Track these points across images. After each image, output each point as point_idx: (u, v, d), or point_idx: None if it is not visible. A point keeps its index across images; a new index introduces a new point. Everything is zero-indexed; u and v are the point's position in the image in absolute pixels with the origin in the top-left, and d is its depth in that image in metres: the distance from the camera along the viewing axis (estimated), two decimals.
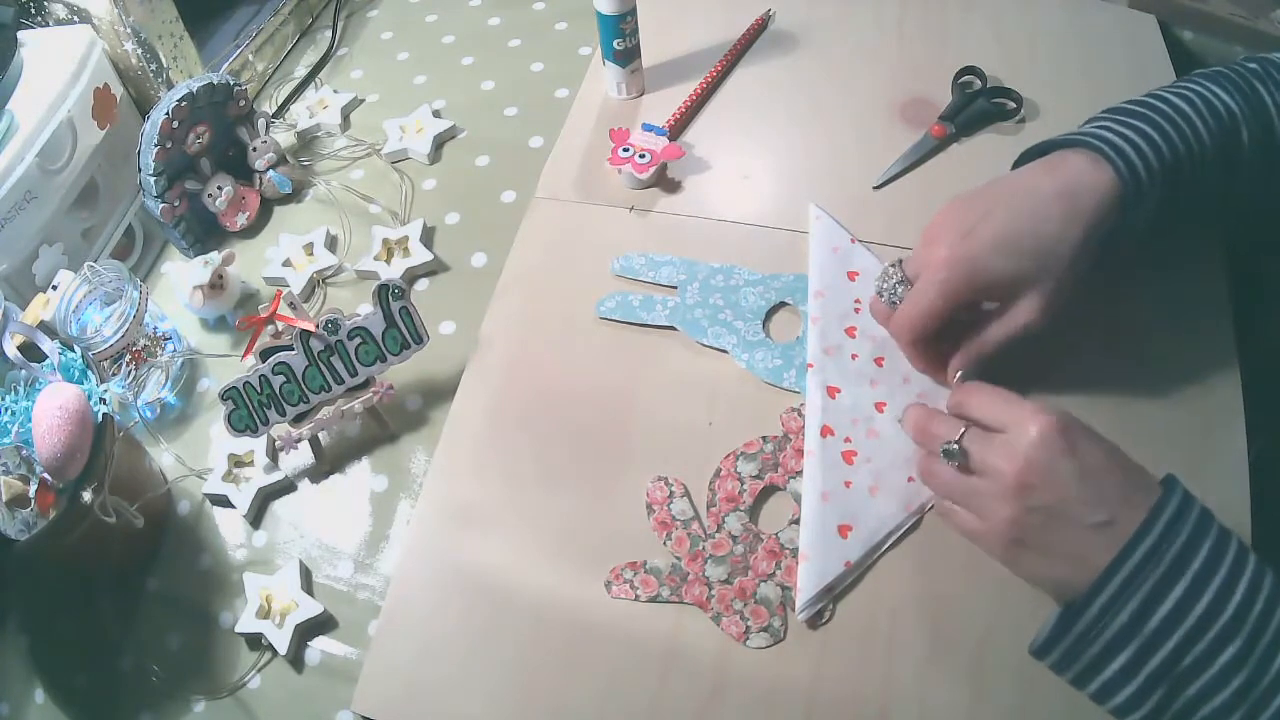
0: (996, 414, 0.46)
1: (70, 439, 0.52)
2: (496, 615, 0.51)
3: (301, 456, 0.60)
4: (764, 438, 0.55)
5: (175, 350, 0.66)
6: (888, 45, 0.75)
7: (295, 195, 0.76)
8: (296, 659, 0.54)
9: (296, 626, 0.53)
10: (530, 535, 0.54)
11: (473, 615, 0.51)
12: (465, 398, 0.60)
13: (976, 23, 0.76)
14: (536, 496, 0.55)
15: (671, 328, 0.60)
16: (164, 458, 0.63)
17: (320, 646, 0.54)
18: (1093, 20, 0.75)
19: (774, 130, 0.71)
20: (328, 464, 0.61)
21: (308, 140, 0.81)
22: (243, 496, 0.59)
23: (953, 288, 0.49)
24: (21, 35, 0.70)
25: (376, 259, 0.69)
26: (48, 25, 0.73)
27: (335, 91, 0.83)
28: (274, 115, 0.82)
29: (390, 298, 0.56)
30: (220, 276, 0.68)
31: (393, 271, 0.68)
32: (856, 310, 0.59)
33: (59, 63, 0.68)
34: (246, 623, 0.54)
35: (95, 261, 0.66)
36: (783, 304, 0.61)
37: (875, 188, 0.66)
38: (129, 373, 0.62)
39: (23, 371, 0.59)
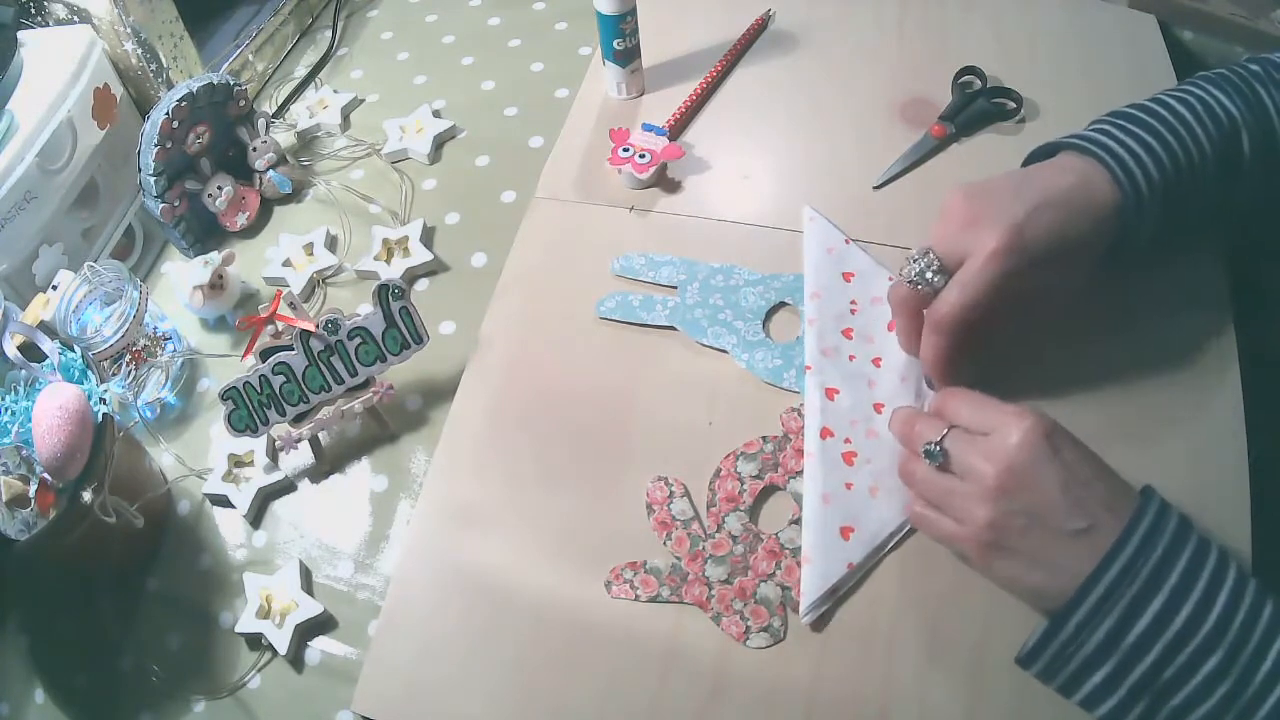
0: (980, 417, 0.46)
1: (70, 439, 0.52)
2: (496, 615, 0.51)
3: (301, 456, 0.60)
4: (764, 438, 0.55)
5: (175, 350, 0.66)
6: (888, 45, 0.75)
7: (295, 195, 0.76)
8: (296, 659, 0.54)
9: (296, 626, 0.53)
10: (530, 535, 0.54)
11: (473, 615, 0.51)
12: (465, 398, 0.60)
13: (976, 23, 0.76)
14: (536, 496, 0.55)
15: (671, 328, 0.60)
16: (164, 458, 0.63)
17: (320, 646, 0.54)
18: (1093, 20, 0.74)
19: (774, 130, 0.71)
20: (328, 464, 0.61)
21: (308, 140, 0.81)
22: (243, 496, 0.59)
23: (1006, 280, 0.48)
24: (21, 35, 0.70)
25: (376, 259, 0.69)
26: (48, 25, 0.73)
27: (335, 91, 0.83)
28: (274, 115, 0.82)
29: (390, 298, 0.56)
30: (220, 276, 0.68)
31: (393, 271, 0.68)
32: (853, 311, 0.59)
33: (59, 63, 0.68)
34: (246, 623, 0.54)
35: (95, 261, 0.66)
36: (782, 304, 0.61)
37: (875, 188, 0.66)
38: (129, 373, 0.62)
39: (23, 371, 0.59)
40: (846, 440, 0.53)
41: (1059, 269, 0.50)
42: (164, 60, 0.75)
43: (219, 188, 0.73)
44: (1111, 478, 0.44)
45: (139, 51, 0.73)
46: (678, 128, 0.72)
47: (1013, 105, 0.69)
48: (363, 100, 0.83)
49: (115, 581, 0.59)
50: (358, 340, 0.57)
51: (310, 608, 0.54)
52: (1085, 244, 0.50)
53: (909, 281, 0.52)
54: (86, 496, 0.52)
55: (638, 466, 0.55)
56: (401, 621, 0.52)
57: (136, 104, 0.76)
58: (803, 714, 0.46)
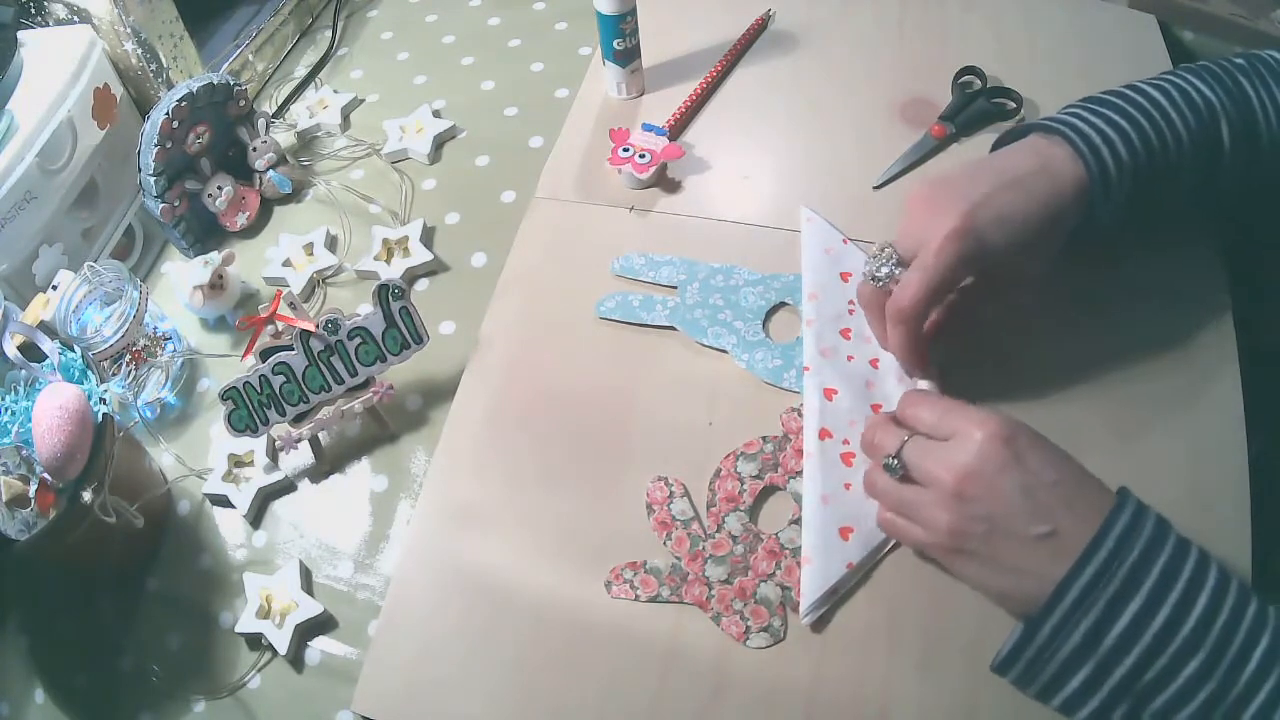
0: (942, 423, 0.46)
1: (70, 439, 0.52)
2: (496, 615, 0.51)
3: (301, 456, 0.60)
4: (764, 438, 0.55)
5: (175, 350, 0.66)
6: (888, 45, 0.75)
7: (295, 195, 0.76)
8: (296, 659, 0.54)
9: (296, 626, 0.53)
10: (530, 535, 0.54)
11: (473, 615, 0.51)
12: (465, 398, 0.60)
13: (976, 23, 0.76)
14: (536, 496, 0.55)
15: (671, 328, 0.60)
16: (164, 458, 0.63)
17: (320, 646, 0.54)
18: (1093, 20, 0.75)
19: (774, 130, 0.71)
20: (328, 464, 0.61)
21: (308, 140, 0.81)
22: (243, 496, 0.59)
23: (959, 263, 0.48)
24: (21, 35, 0.70)
25: (376, 259, 0.69)
26: (48, 25, 0.73)
27: (335, 91, 0.83)
28: (274, 115, 0.82)
29: (390, 298, 0.56)
30: (220, 276, 0.68)
31: (393, 271, 0.68)
32: (851, 312, 0.59)
33: (59, 63, 0.68)
34: (246, 623, 0.54)
35: (95, 261, 0.66)
36: (782, 304, 0.61)
37: (875, 188, 0.66)
38: (129, 373, 0.62)
39: (23, 371, 0.59)
40: (845, 441, 0.53)
41: (1021, 250, 0.50)
42: (164, 60, 0.75)
43: (219, 188, 0.73)
44: (1081, 481, 0.44)
45: (139, 51, 0.73)
46: (678, 128, 0.72)
47: (1013, 105, 0.69)
48: (363, 100, 0.83)
49: (115, 581, 0.59)
50: (358, 340, 0.57)
51: (310, 608, 0.54)
52: (1046, 224, 0.50)
53: (871, 279, 0.52)
54: (86, 496, 0.52)
55: (638, 466, 0.55)
56: (401, 621, 0.52)
57: (136, 104, 0.76)
58: (803, 714, 0.46)
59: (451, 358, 0.63)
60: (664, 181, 0.69)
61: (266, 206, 0.76)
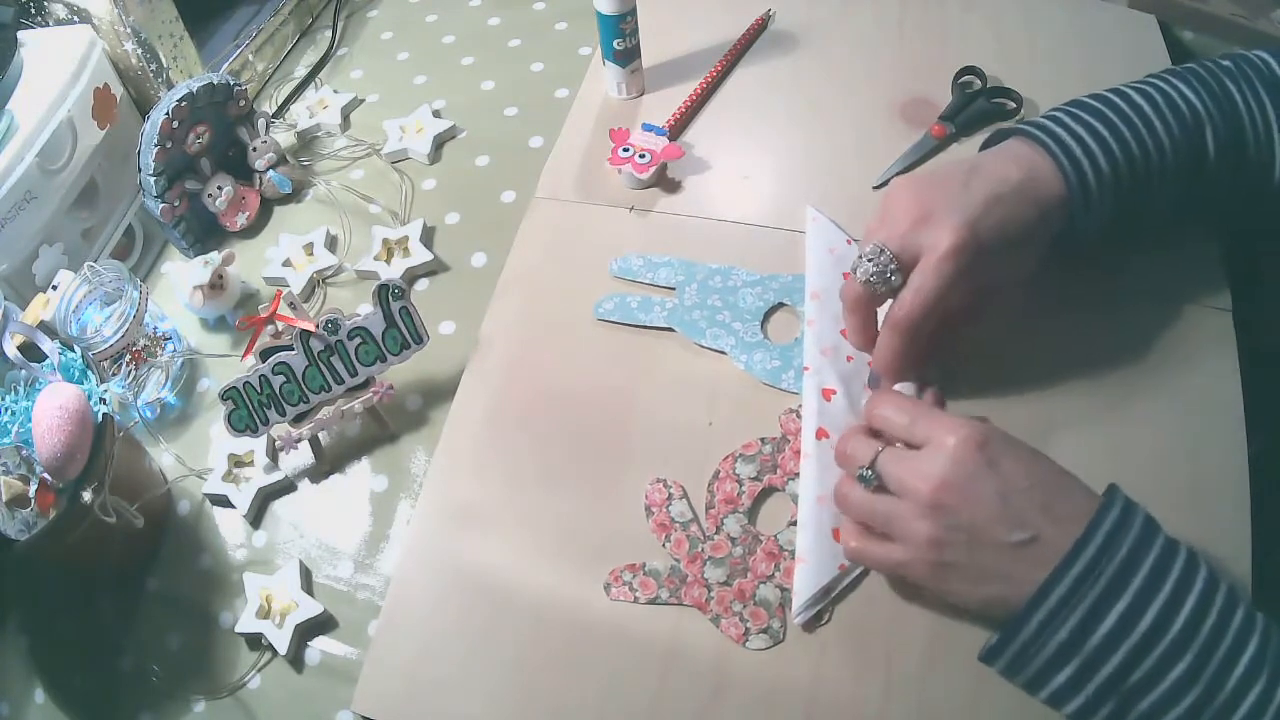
0: (914, 428, 0.45)
1: (70, 439, 0.52)
2: (496, 615, 0.51)
3: (301, 456, 0.60)
4: (762, 439, 0.55)
5: (175, 350, 0.66)
6: (888, 45, 0.75)
7: (295, 195, 0.76)
8: (296, 659, 0.54)
9: (296, 626, 0.53)
10: (530, 535, 0.54)
11: (473, 615, 0.51)
12: (465, 398, 0.60)
13: (976, 22, 0.76)
14: (536, 496, 0.55)
15: (670, 329, 0.60)
16: (164, 458, 0.63)
17: (320, 646, 0.54)
18: (1093, 20, 0.74)
19: (774, 130, 0.71)
20: (328, 464, 0.61)
21: (308, 140, 0.81)
22: (243, 496, 0.59)
23: (959, 278, 0.48)
24: (21, 35, 0.70)
25: (376, 259, 0.69)
26: (48, 25, 0.73)
27: (335, 91, 0.83)
28: (274, 115, 0.82)
29: (390, 298, 0.56)
30: (220, 276, 0.68)
31: (393, 271, 0.68)
32: None
33: (59, 63, 0.68)
34: (246, 623, 0.54)
35: (95, 261, 0.66)
36: (781, 305, 0.61)
37: (875, 188, 0.66)
38: (129, 373, 0.62)
39: (23, 371, 0.59)
40: None
41: (1007, 263, 0.50)
42: (164, 60, 0.75)
43: (219, 188, 0.73)
44: (1057, 483, 0.43)
45: (139, 51, 0.73)
46: (678, 128, 0.72)
47: (1013, 105, 0.69)
48: (363, 100, 0.83)
49: (115, 581, 0.59)
50: (358, 340, 0.57)
51: (310, 608, 0.54)
52: (1032, 237, 0.50)
53: (865, 282, 0.51)
54: (86, 496, 0.52)
55: (638, 467, 0.55)
56: (401, 621, 0.52)
57: (136, 104, 0.76)
58: (803, 714, 0.46)
59: (451, 358, 0.63)
60: (664, 181, 0.69)
61: (266, 206, 0.76)
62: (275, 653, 0.54)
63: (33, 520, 0.52)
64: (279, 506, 0.60)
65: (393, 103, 0.81)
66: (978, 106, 0.68)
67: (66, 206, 0.68)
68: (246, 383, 0.55)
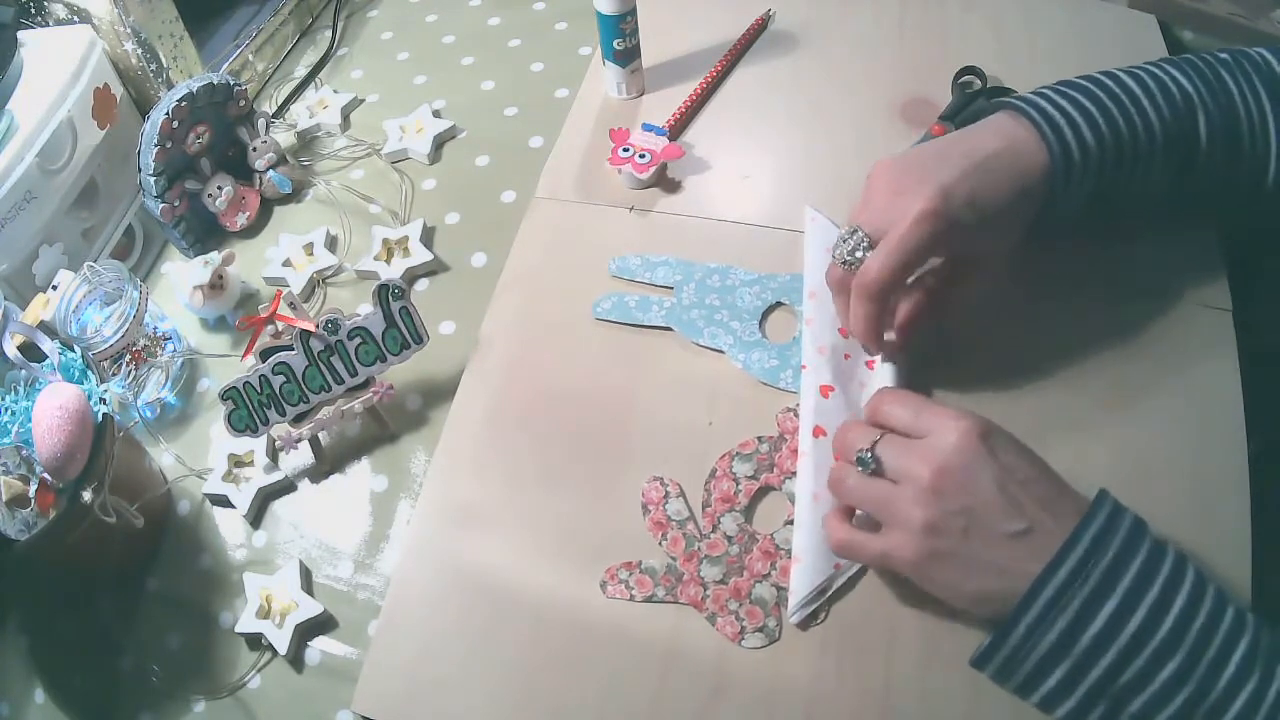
0: (916, 421, 0.45)
1: (70, 439, 0.52)
2: (496, 615, 0.51)
3: (301, 456, 0.60)
4: (759, 438, 0.55)
5: (175, 350, 0.66)
6: (888, 45, 0.75)
7: (295, 195, 0.76)
8: (296, 659, 0.54)
9: (296, 626, 0.53)
10: (530, 535, 0.54)
11: (473, 615, 0.51)
12: (465, 398, 0.60)
13: (976, 23, 0.76)
14: (536, 496, 0.55)
15: (668, 329, 0.60)
16: (164, 458, 0.63)
17: (320, 646, 0.54)
18: (1093, 20, 0.74)
19: (774, 130, 0.71)
20: (328, 464, 0.61)
21: (308, 140, 0.81)
22: (243, 496, 0.59)
23: (927, 243, 0.48)
24: (21, 35, 0.70)
25: (376, 259, 0.69)
26: (48, 25, 0.73)
27: (335, 91, 0.83)
28: (274, 115, 0.82)
29: (390, 298, 0.56)
30: (220, 276, 0.68)
31: (393, 271, 0.68)
32: None
33: (59, 63, 0.68)
34: (246, 623, 0.54)
35: (95, 261, 0.66)
36: (779, 304, 0.61)
37: None
38: (129, 373, 0.62)
39: (23, 371, 0.59)
40: None
41: (985, 236, 0.50)
42: (164, 60, 0.75)
43: (219, 188, 0.73)
44: (1053, 481, 0.43)
45: (139, 51, 0.73)
46: (678, 128, 0.72)
47: None
48: (363, 100, 0.83)
49: (115, 581, 0.59)
50: (358, 340, 0.57)
51: (310, 608, 0.54)
52: (1013, 206, 0.49)
53: (841, 263, 0.51)
54: (86, 496, 0.52)
55: (638, 466, 0.55)
56: (401, 621, 0.52)
57: (136, 104, 0.76)
58: (803, 714, 0.46)
59: (451, 358, 0.63)
60: (664, 181, 0.69)
61: (266, 206, 0.76)
62: (275, 653, 0.54)
63: (33, 520, 0.52)
64: (279, 506, 0.60)
65: (393, 103, 0.81)
66: (978, 106, 0.68)
67: (66, 206, 0.68)
68: (246, 383, 0.55)
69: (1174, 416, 0.53)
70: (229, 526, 0.60)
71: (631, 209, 0.68)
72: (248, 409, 0.56)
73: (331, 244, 0.72)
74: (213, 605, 0.57)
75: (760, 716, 0.47)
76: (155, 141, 0.68)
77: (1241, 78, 0.52)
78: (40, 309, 0.62)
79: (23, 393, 0.58)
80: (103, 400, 0.58)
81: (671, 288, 0.62)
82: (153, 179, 0.69)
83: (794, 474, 0.53)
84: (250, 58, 0.84)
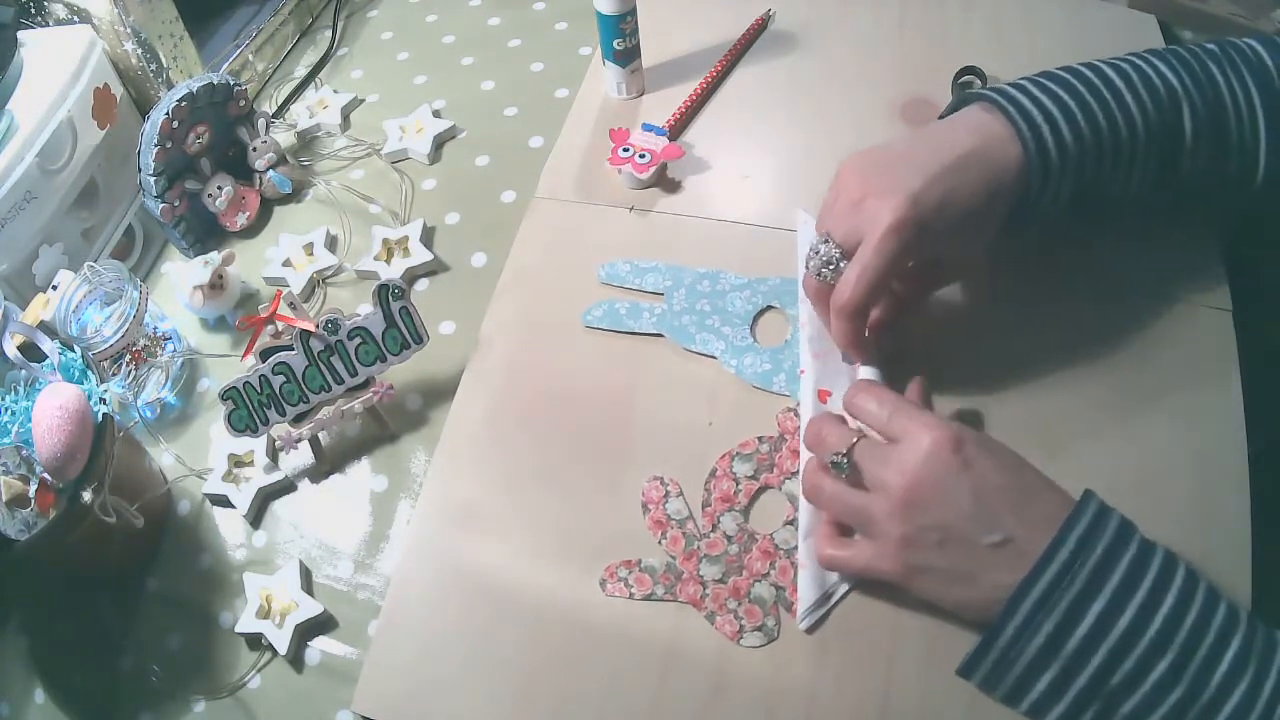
0: (889, 422, 0.45)
1: (70, 439, 0.52)
2: (496, 615, 0.51)
3: (301, 456, 0.60)
4: (760, 438, 0.55)
5: (175, 350, 0.66)
6: (888, 45, 0.75)
7: (295, 195, 0.76)
8: (296, 659, 0.54)
9: (296, 626, 0.53)
10: (530, 535, 0.54)
11: (473, 615, 0.51)
12: (465, 398, 0.60)
13: (976, 22, 0.76)
14: (536, 496, 0.55)
15: (660, 335, 0.60)
16: (164, 458, 0.63)
17: (320, 646, 0.54)
18: (1093, 20, 0.74)
19: (774, 130, 0.71)
20: (328, 464, 0.61)
21: (308, 140, 0.81)
22: (243, 496, 0.59)
23: (900, 255, 0.47)
24: (21, 35, 0.70)
25: (376, 259, 0.69)
26: (48, 25, 0.73)
27: (335, 91, 0.83)
28: (274, 115, 0.82)
29: (390, 298, 0.56)
30: (220, 276, 0.68)
31: (393, 271, 0.68)
32: None
33: (59, 63, 0.68)
34: (246, 623, 0.54)
35: (95, 261, 0.66)
36: (769, 307, 0.61)
37: None
38: (129, 373, 0.62)
39: (23, 371, 0.59)
40: None
41: (956, 239, 0.49)
42: (164, 60, 0.75)
43: (219, 188, 0.73)
44: (1030, 486, 0.43)
45: (139, 51, 0.73)
46: (678, 128, 0.72)
47: None
48: (363, 100, 0.83)
49: (115, 581, 0.59)
50: (358, 340, 0.57)
51: (310, 608, 0.54)
52: (983, 211, 0.48)
53: (816, 275, 0.50)
54: (86, 496, 0.52)
55: (638, 466, 0.55)
56: (401, 621, 0.52)
57: (136, 104, 0.76)
58: (803, 714, 0.46)
59: (451, 358, 0.63)
60: (664, 181, 0.69)
61: (266, 206, 0.76)
62: (275, 653, 0.54)
63: (33, 520, 0.52)
64: (279, 506, 0.60)
65: (393, 103, 0.81)
66: None
67: (66, 206, 0.68)
68: (246, 383, 0.55)
69: (1174, 416, 0.53)
70: (229, 526, 0.60)
71: (631, 209, 0.68)
72: (248, 409, 0.56)
73: (331, 244, 0.72)
74: (213, 605, 0.57)
75: (760, 716, 0.47)
76: (155, 141, 0.68)
77: (1229, 69, 0.50)
78: (40, 309, 0.62)
79: (23, 393, 0.58)
80: (103, 400, 0.58)
81: (662, 294, 0.62)
82: (153, 179, 0.69)
83: (794, 474, 0.53)
84: (250, 58, 0.84)
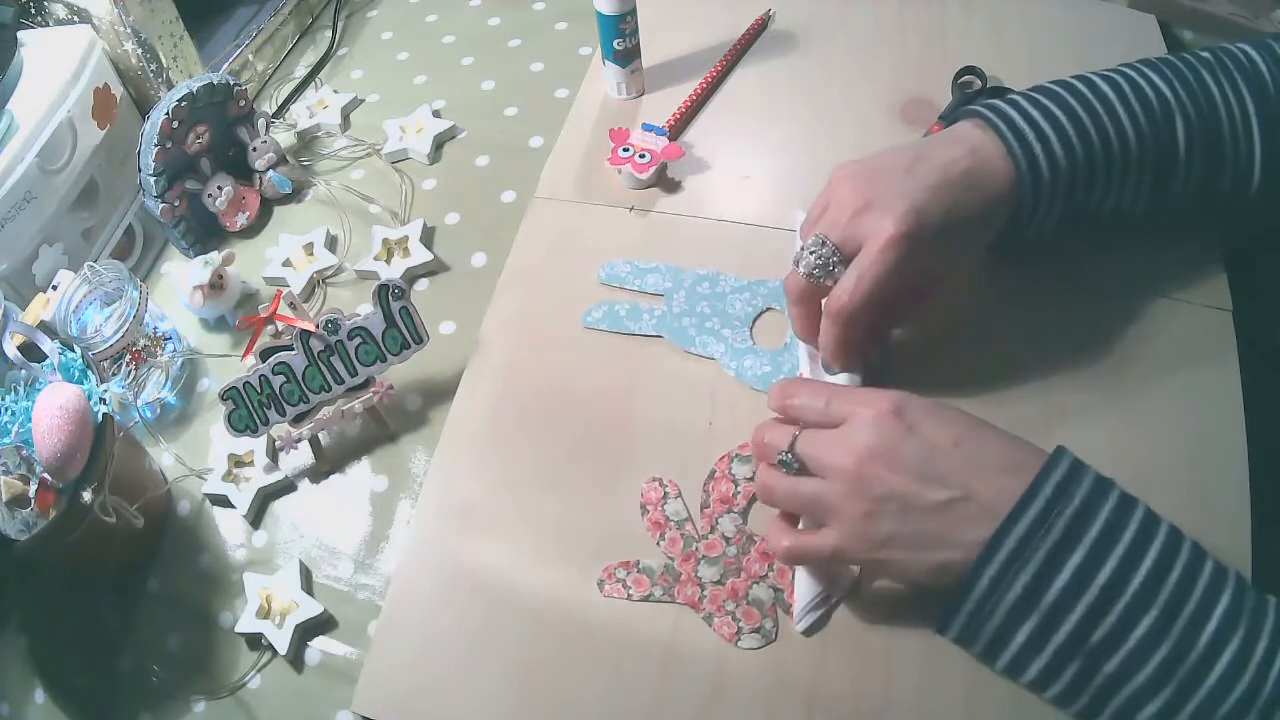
0: (830, 409, 0.44)
1: (70, 439, 0.52)
2: (496, 615, 0.51)
3: (301, 456, 0.60)
4: None
5: (175, 350, 0.66)
6: (888, 45, 0.75)
7: (295, 195, 0.76)
8: (296, 659, 0.54)
9: (296, 626, 0.53)
10: (530, 535, 0.54)
11: (472, 615, 0.51)
12: (465, 398, 0.60)
13: (976, 23, 0.76)
14: (536, 496, 0.55)
15: (659, 337, 0.60)
16: (164, 458, 0.63)
17: (320, 646, 0.54)
18: (1093, 20, 0.74)
19: (774, 130, 0.71)
20: (328, 464, 0.61)
21: (308, 140, 0.81)
22: (243, 496, 0.59)
23: (900, 268, 0.47)
24: (21, 35, 0.70)
25: (376, 259, 0.69)
26: (48, 25, 0.73)
27: (335, 91, 0.83)
28: (274, 115, 0.82)
29: (390, 298, 0.56)
30: (220, 276, 0.68)
31: (393, 271, 0.68)
32: None
33: (59, 63, 0.68)
34: (246, 623, 0.54)
35: (95, 261, 0.66)
36: (769, 309, 0.61)
37: None
38: (129, 373, 0.62)
39: (23, 371, 0.59)
40: None
41: (948, 254, 0.49)
42: (164, 60, 0.75)
43: (219, 188, 0.73)
44: (988, 442, 0.42)
45: (139, 51, 0.73)
46: (678, 128, 0.72)
47: None
48: (363, 100, 0.83)
49: (115, 581, 0.59)
50: (358, 340, 0.57)
51: (310, 608, 0.54)
52: (977, 224, 0.48)
53: (808, 275, 0.50)
54: (86, 496, 0.52)
55: (638, 467, 0.55)
56: (401, 621, 0.52)
57: (136, 104, 0.76)
58: (803, 714, 0.46)
59: (451, 358, 0.63)
60: (664, 181, 0.69)
61: (266, 206, 0.76)
62: (275, 653, 0.54)
63: (33, 520, 0.52)
64: (279, 506, 0.60)
65: (393, 103, 0.81)
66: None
67: (66, 206, 0.68)
68: (246, 383, 0.55)
69: (1174, 416, 0.53)
70: (229, 526, 0.60)
71: (631, 209, 0.68)
72: (248, 409, 0.56)
73: (331, 244, 0.72)
74: (213, 605, 0.57)
75: (760, 717, 0.47)
76: (155, 141, 0.68)
77: (1223, 77, 0.50)
78: (40, 309, 0.62)
79: (23, 393, 0.58)
80: (103, 400, 0.58)
81: (662, 295, 0.62)
82: (153, 179, 0.69)
83: None
84: (250, 58, 0.84)
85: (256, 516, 0.60)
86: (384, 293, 0.56)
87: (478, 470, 0.57)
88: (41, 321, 0.62)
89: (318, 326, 0.56)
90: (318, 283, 0.70)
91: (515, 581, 0.52)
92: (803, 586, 0.49)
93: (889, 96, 0.71)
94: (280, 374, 0.56)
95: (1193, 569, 0.38)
